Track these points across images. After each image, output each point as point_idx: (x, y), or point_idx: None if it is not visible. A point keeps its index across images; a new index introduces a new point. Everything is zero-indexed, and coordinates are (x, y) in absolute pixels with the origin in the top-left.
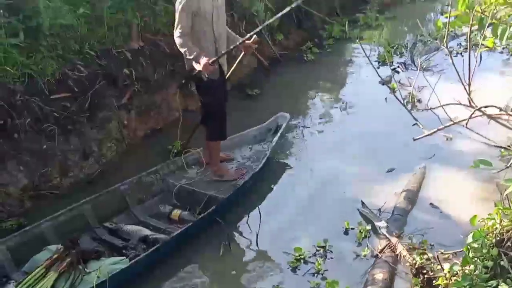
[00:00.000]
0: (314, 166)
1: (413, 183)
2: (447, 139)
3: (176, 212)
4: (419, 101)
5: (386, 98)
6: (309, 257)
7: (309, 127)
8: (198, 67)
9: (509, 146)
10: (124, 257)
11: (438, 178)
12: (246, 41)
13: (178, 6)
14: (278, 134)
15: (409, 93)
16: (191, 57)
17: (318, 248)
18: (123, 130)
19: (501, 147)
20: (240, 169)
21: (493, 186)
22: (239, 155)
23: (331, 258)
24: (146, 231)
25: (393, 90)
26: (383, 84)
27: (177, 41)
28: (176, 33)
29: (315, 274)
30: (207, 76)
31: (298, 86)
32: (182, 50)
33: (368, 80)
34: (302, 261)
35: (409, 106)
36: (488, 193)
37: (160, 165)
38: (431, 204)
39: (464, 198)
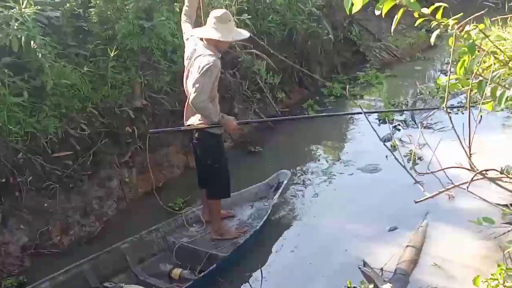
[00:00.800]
0: (315, 224)
1: (415, 242)
2: (449, 197)
3: (177, 271)
4: (420, 159)
5: (386, 156)
6: None
7: (310, 185)
8: (224, 127)
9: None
10: None
11: (440, 236)
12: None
13: (204, 67)
14: (279, 191)
15: (410, 151)
16: (215, 120)
17: None
18: (124, 187)
19: (503, 205)
20: (241, 227)
21: (496, 245)
22: (240, 212)
23: None
24: None
25: (393, 149)
26: (384, 141)
27: (201, 104)
28: (201, 96)
29: None
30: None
31: (299, 144)
32: (205, 113)
33: (369, 138)
34: None
35: (410, 164)
36: (491, 252)
37: (161, 224)
38: (433, 263)
39: (466, 257)
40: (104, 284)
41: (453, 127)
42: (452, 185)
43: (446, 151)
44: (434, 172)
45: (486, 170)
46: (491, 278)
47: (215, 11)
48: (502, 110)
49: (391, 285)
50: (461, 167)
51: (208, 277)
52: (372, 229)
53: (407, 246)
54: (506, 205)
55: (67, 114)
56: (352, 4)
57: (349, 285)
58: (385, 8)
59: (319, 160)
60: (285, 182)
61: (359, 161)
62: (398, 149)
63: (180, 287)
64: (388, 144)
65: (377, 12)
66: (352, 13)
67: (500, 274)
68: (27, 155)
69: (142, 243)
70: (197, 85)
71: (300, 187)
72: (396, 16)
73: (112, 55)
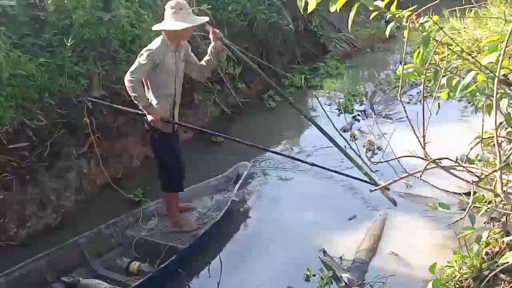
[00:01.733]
0: (275, 214)
1: (374, 230)
2: (407, 186)
3: (134, 265)
4: (378, 148)
5: (345, 146)
6: None
7: (270, 176)
8: (149, 117)
9: (465, 194)
10: None
11: (398, 225)
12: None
13: (142, 52)
14: (239, 183)
15: (368, 140)
16: (141, 105)
17: None
18: (83, 179)
19: (459, 194)
20: (201, 219)
21: (452, 233)
22: (200, 205)
23: None
24: (104, 285)
25: (353, 138)
26: (344, 131)
27: (129, 83)
28: (129, 76)
29: None
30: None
31: (260, 134)
32: (132, 94)
33: (329, 128)
34: None
35: (369, 154)
36: (448, 240)
37: (119, 217)
38: (391, 252)
39: (424, 246)
40: (61, 279)
41: (407, 116)
42: (406, 174)
43: (403, 141)
44: (388, 161)
45: (440, 159)
46: (447, 266)
47: (169, 2)
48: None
49: (349, 274)
50: (414, 156)
51: (168, 269)
52: (332, 219)
53: (365, 235)
54: (461, 194)
55: (23, 105)
56: (307, 3)
57: (308, 274)
58: (339, 5)
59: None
60: (245, 174)
61: (318, 152)
62: (358, 139)
63: (138, 279)
64: (347, 134)
65: (332, 9)
66: (308, 12)
67: (455, 261)
68: None
69: (100, 237)
70: (133, 65)
71: (260, 178)
72: (351, 13)
73: (69, 45)
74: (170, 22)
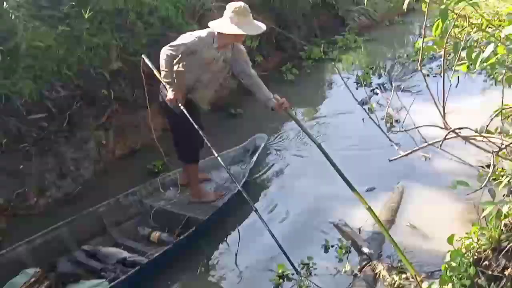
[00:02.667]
0: (293, 187)
1: (392, 202)
2: (425, 159)
3: (155, 234)
4: (397, 121)
5: (363, 119)
6: (292, 274)
7: (288, 148)
8: (168, 94)
9: (486, 166)
10: (103, 280)
11: (416, 197)
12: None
13: (191, 33)
14: (256, 155)
15: (387, 113)
16: (165, 80)
17: (302, 266)
18: (101, 150)
19: (478, 166)
20: (219, 191)
21: (471, 206)
22: (217, 176)
23: (315, 275)
24: (124, 253)
25: (370, 111)
26: (362, 105)
27: (164, 56)
28: (167, 48)
29: None
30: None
31: None
32: (162, 67)
33: (347, 101)
34: (285, 278)
35: (387, 126)
36: (466, 212)
37: (138, 187)
38: (409, 224)
39: (442, 218)
40: (82, 247)
41: (427, 85)
42: (426, 144)
43: (422, 114)
44: (408, 130)
45: (460, 128)
46: (465, 237)
47: (234, 3)
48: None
49: (368, 246)
50: (434, 126)
51: (187, 240)
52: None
53: (383, 207)
54: (481, 167)
55: (42, 76)
56: None
57: (327, 244)
58: None
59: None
60: (262, 146)
61: (337, 125)
62: (375, 112)
63: (159, 251)
64: (365, 107)
65: None
66: None
67: (474, 233)
68: (2, 116)
69: (119, 206)
70: (174, 42)
71: (278, 150)
72: None
73: (86, 17)
74: (227, 24)
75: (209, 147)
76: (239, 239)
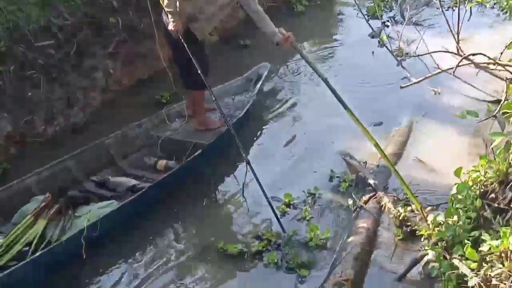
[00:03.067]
0: (300, 118)
1: (399, 136)
2: (435, 93)
3: (162, 162)
4: (407, 54)
5: (373, 52)
6: (298, 204)
7: (296, 80)
8: (170, 25)
9: (495, 100)
10: (113, 201)
11: (424, 132)
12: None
13: None
14: (259, 83)
15: (398, 46)
16: (168, 8)
17: (308, 195)
18: (109, 79)
19: (488, 101)
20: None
21: (480, 140)
22: (222, 105)
23: (319, 205)
24: (133, 181)
25: (381, 44)
26: (372, 37)
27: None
28: None
29: (302, 220)
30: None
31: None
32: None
33: (357, 33)
34: (291, 207)
35: (397, 60)
36: (474, 147)
37: (144, 119)
38: (416, 158)
39: (449, 152)
40: (90, 178)
41: (443, 12)
42: (438, 71)
43: (434, 45)
44: (420, 55)
45: (473, 55)
46: (472, 170)
47: None
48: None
49: (374, 178)
50: (447, 51)
51: (193, 163)
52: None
53: (391, 140)
54: (491, 101)
55: (49, 2)
56: None
57: (332, 175)
58: None
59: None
60: (265, 74)
61: (345, 58)
62: (386, 45)
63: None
64: (376, 40)
65: None
66: None
67: (481, 166)
68: (10, 43)
69: (125, 138)
70: None
71: (286, 82)
72: None
73: None
74: None
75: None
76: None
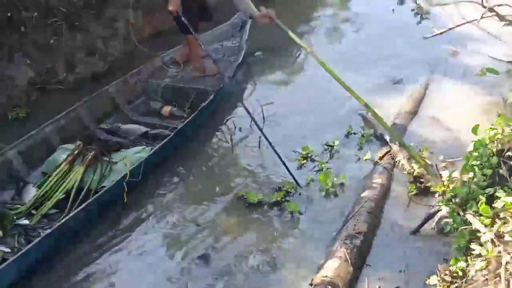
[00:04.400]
0: (319, 73)
1: (416, 94)
2: (454, 53)
3: (166, 108)
4: (427, 13)
5: (393, 10)
6: (316, 156)
7: (315, 37)
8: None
9: None
10: (144, 146)
11: (442, 91)
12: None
13: None
14: (246, 28)
15: (418, 5)
16: None
17: (326, 147)
18: (130, 29)
19: (508, 61)
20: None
21: (497, 99)
22: (212, 51)
23: (337, 159)
24: (143, 128)
25: (401, 1)
26: None
27: None
28: None
29: (319, 172)
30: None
31: None
32: None
33: None
34: (308, 159)
35: (417, 18)
36: (492, 106)
37: (140, 67)
38: (433, 116)
39: (467, 111)
40: (100, 126)
41: None
42: (464, 22)
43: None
44: (445, 4)
45: (499, 5)
46: (490, 128)
47: None
48: None
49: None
50: (472, 1)
51: (207, 110)
52: (377, 81)
53: (408, 98)
54: (510, 62)
55: None
56: None
57: (350, 131)
58: None
59: (326, 13)
60: (250, 20)
61: (366, 15)
62: (405, 3)
63: (173, 121)
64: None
65: None
66: None
67: (499, 124)
68: None
69: (127, 86)
70: None
71: (306, 36)
72: None
73: None
74: None
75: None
76: (264, 120)
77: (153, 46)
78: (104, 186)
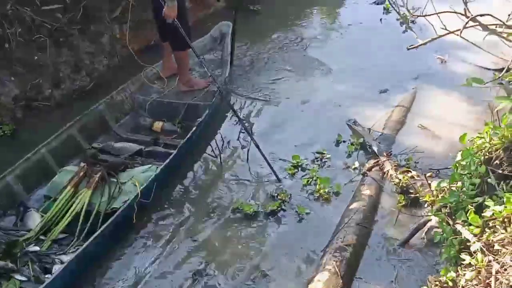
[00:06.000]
0: (306, 82)
1: (404, 103)
2: (441, 61)
3: (158, 124)
4: (413, 22)
5: (381, 19)
6: (306, 165)
7: (303, 44)
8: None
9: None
10: (150, 165)
11: (430, 100)
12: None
13: None
14: (229, 40)
15: (402, 14)
16: None
17: (317, 156)
18: (116, 44)
19: (494, 69)
20: (204, 79)
21: (485, 108)
22: (195, 64)
23: (327, 167)
24: (134, 146)
25: (387, 11)
26: (377, 4)
27: None
28: None
29: (310, 180)
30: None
31: (297, 3)
32: None
33: (362, 4)
34: (299, 168)
35: (403, 27)
36: (480, 115)
37: (126, 83)
38: (421, 125)
39: (454, 119)
40: (92, 145)
41: None
42: (446, 32)
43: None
44: (427, 15)
45: (481, 15)
46: (477, 137)
47: None
48: None
49: (378, 143)
50: (455, 12)
51: (204, 125)
52: (364, 91)
53: (395, 107)
54: (497, 70)
55: None
56: None
57: (339, 139)
58: None
59: (315, 21)
60: (230, 32)
61: (354, 24)
62: (392, 12)
63: (167, 137)
64: (381, 7)
65: None
66: None
67: (486, 132)
68: (16, 6)
69: (114, 103)
70: None
71: (294, 45)
72: None
73: None
74: None
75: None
76: (252, 129)
77: (144, 60)
78: (114, 208)
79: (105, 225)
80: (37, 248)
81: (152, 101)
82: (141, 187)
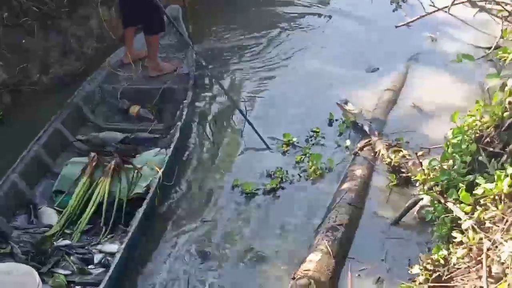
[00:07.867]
0: (297, 63)
1: (395, 83)
2: (432, 40)
3: (134, 108)
4: (403, 1)
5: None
6: (297, 143)
7: (290, 28)
8: None
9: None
10: (158, 148)
11: (421, 79)
12: None
13: None
14: (182, 24)
15: None
16: None
17: (311, 133)
18: (104, 27)
19: (484, 47)
20: (172, 60)
21: (476, 86)
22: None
23: (322, 145)
24: (120, 134)
25: None
26: None
27: None
28: None
29: (303, 157)
30: None
31: None
32: None
33: None
34: (291, 145)
35: (393, 6)
36: (471, 93)
37: (92, 74)
38: (413, 104)
39: (446, 98)
40: (77, 137)
41: None
42: (435, 9)
43: None
44: None
45: None
46: (468, 115)
47: None
48: None
49: (369, 123)
50: None
51: (191, 109)
52: (354, 71)
53: (387, 87)
54: (487, 48)
55: None
56: None
57: (331, 118)
58: None
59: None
60: (181, 15)
61: (343, 4)
62: None
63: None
64: None
65: None
66: None
67: (477, 110)
68: None
69: (86, 94)
70: None
71: (281, 31)
72: None
73: None
74: None
75: None
76: (246, 110)
77: None
78: (137, 193)
79: (141, 210)
80: (67, 242)
81: (124, 89)
82: (161, 170)
